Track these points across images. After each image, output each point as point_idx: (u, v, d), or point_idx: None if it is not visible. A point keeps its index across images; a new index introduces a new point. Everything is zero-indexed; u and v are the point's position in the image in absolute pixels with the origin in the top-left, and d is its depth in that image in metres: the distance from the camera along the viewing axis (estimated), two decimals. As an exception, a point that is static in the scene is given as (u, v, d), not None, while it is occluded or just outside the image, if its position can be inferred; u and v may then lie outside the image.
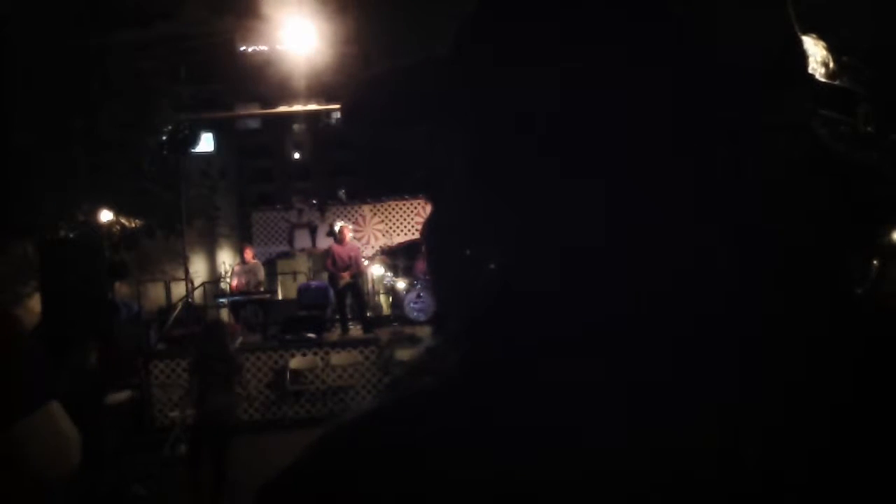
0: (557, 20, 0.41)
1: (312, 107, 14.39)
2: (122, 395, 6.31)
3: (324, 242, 13.74)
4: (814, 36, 0.43)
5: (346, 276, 10.42)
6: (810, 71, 0.43)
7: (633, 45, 0.40)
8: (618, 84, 0.39)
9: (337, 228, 11.03)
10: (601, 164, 0.39)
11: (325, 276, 11.63)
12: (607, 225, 0.39)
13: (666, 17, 0.40)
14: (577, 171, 0.40)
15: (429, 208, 0.49)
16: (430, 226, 0.48)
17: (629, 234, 0.39)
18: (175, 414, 8.86)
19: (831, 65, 0.44)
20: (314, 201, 15.75)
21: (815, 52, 0.44)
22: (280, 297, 13.55)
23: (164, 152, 12.41)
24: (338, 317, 10.83)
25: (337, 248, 10.61)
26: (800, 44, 0.43)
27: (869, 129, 0.43)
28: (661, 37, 0.40)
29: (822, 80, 0.44)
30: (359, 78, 0.46)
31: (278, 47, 12.77)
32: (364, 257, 11.67)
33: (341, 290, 10.54)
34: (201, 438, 5.68)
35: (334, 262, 10.48)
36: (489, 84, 0.43)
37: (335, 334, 10.54)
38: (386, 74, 0.46)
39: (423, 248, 0.48)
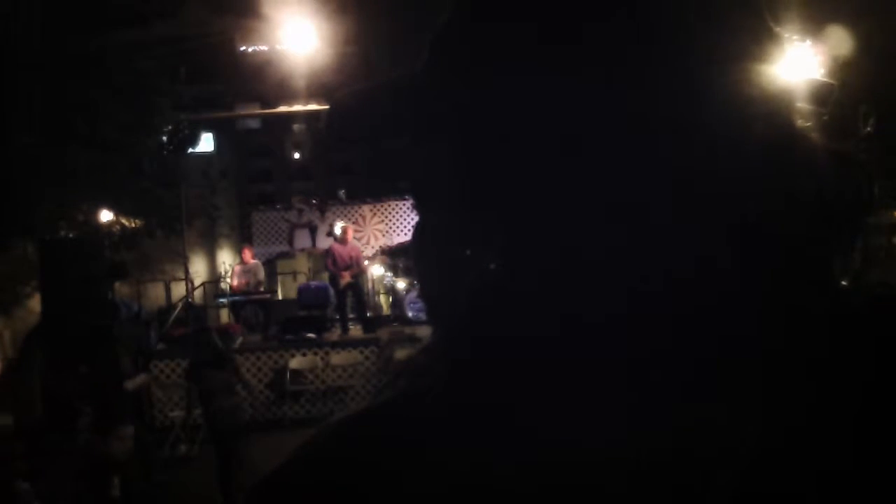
0: (536, 19, 0.41)
1: (312, 107, 14.36)
2: (140, 380, 6.31)
3: (324, 242, 13.72)
4: (797, 35, 0.43)
5: (346, 276, 10.42)
6: (789, 65, 0.43)
7: (619, 44, 0.39)
8: (604, 83, 0.39)
9: (339, 229, 11.04)
10: (592, 164, 0.39)
11: (325, 276, 11.64)
12: (601, 224, 0.39)
13: (646, 14, 0.40)
14: (566, 172, 0.39)
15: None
16: (420, 231, 0.47)
17: (625, 235, 0.39)
18: (175, 414, 8.85)
19: (813, 61, 0.44)
20: (314, 201, 15.73)
21: (796, 51, 0.44)
22: (280, 297, 13.54)
23: (164, 152, 12.39)
24: (338, 317, 10.83)
25: (338, 248, 10.62)
26: (774, 35, 0.42)
27: (869, 128, 0.43)
28: (646, 35, 0.39)
29: (799, 74, 0.44)
30: (340, 94, 0.46)
31: (278, 47, 12.75)
32: (364, 257, 11.67)
33: (342, 290, 10.55)
34: (214, 442, 5.76)
35: (335, 262, 10.49)
36: (468, 87, 0.42)
37: (335, 334, 10.53)
38: (366, 90, 0.46)
39: (412, 253, 0.48)
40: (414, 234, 0.48)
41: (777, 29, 0.42)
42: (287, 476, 0.41)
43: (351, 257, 10.56)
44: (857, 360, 0.38)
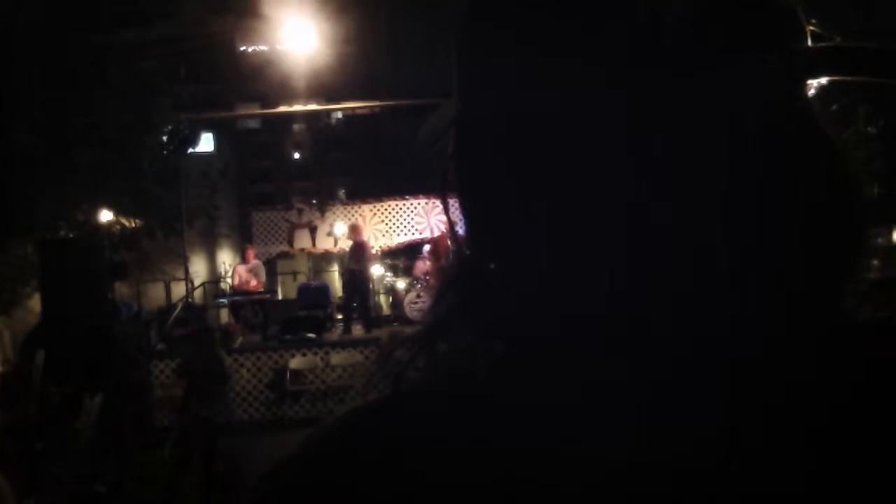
0: (532, 25, 0.40)
1: (312, 107, 14.37)
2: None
3: (324, 242, 13.76)
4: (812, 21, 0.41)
5: (355, 269, 10.56)
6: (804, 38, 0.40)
7: (618, 42, 0.38)
8: (603, 83, 0.38)
9: (343, 230, 11.16)
10: (589, 165, 0.39)
11: (324, 276, 11.68)
12: (599, 225, 0.39)
13: (645, 10, 0.38)
14: (562, 172, 0.39)
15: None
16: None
17: (623, 236, 0.38)
18: (175, 414, 8.87)
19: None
20: (314, 201, 15.75)
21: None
22: (280, 297, 13.56)
23: (164, 152, 12.41)
24: (340, 316, 10.89)
25: (362, 243, 10.79)
26: (781, 8, 0.39)
27: (870, 128, 0.41)
28: (645, 32, 0.38)
29: (830, 43, 0.40)
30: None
31: (278, 47, 12.76)
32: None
33: (352, 289, 10.66)
34: (189, 442, 5.78)
35: (359, 258, 10.68)
36: (467, 90, 0.43)
37: (335, 334, 10.56)
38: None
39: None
40: None
41: (790, 14, 0.39)
42: (293, 466, 0.41)
43: (359, 253, 10.74)
44: (855, 373, 0.38)
